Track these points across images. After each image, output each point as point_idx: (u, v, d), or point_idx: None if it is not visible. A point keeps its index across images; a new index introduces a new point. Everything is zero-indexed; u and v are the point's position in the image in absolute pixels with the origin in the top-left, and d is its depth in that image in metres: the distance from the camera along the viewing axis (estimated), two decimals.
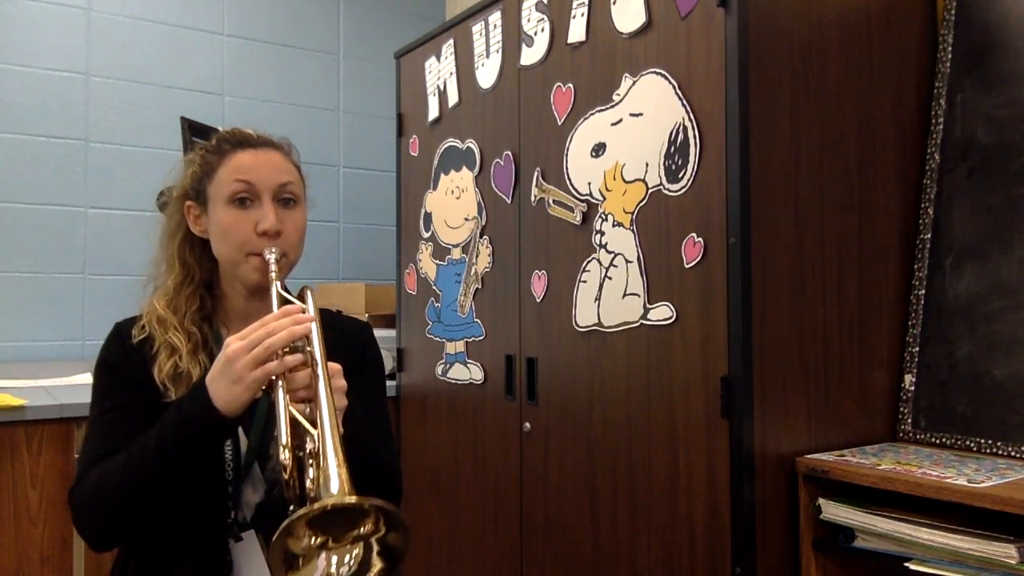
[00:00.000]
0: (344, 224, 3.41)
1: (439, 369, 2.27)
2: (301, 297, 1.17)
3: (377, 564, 0.89)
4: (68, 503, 1.13)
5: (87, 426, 1.19)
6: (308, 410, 0.98)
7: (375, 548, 0.89)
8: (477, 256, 2.12)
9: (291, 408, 0.98)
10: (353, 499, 0.86)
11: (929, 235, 1.67)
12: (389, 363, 2.45)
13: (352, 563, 0.89)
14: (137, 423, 1.12)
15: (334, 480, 0.88)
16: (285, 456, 0.94)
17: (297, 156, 1.30)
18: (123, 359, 1.20)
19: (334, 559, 0.88)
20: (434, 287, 2.31)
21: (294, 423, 0.97)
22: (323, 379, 0.99)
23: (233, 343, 1.02)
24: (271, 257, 1.16)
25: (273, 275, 1.16)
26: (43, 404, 1.98)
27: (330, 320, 1.35)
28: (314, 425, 0.96)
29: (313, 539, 0.88)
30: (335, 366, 1.04)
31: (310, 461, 0.93)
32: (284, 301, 1.13)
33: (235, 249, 1.19)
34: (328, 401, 0.96)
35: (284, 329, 1.01)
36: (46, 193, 2.82)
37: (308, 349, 1.03)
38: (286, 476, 0.95)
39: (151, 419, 1.11)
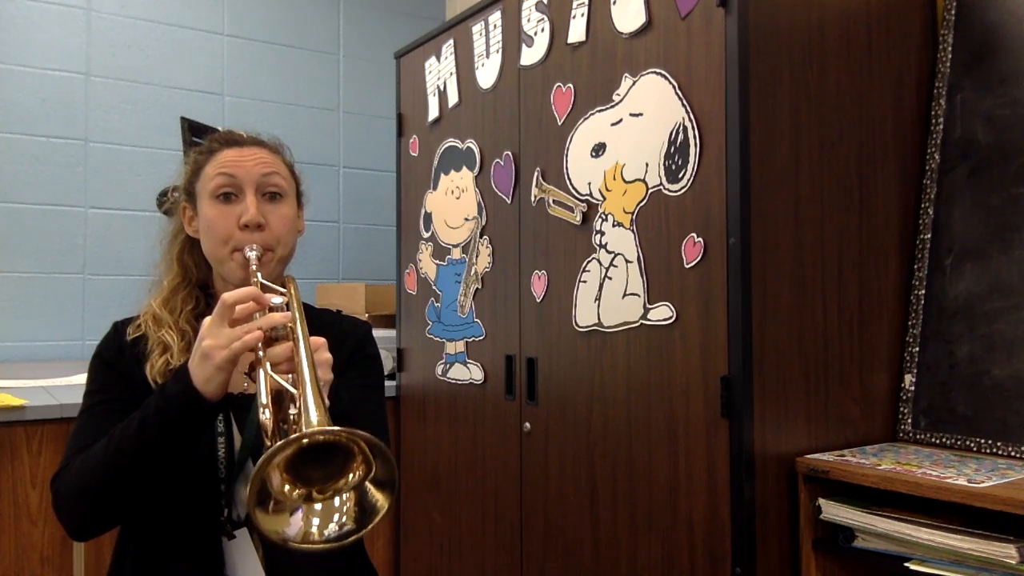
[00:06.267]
0: (344, 224, 3.41)
1: (439, 369, 2.27)
2: (283, 285, 1.16)
3: (377, 497, 0.87)
4: (51, 489, 1.12)
5: (79, 414, 1.19)
6: (292, 380, 0.96)
7: (368, 490, 0.87)
8: (477, 256, 2.12)
9: (272, 375, 0.95)
10: (330, 427, 0.84)
11: (929, 235, 1.67)
12: (389, 363, 2.45)
13: (344, 516, 0.87)
14: (124, 416, 1.11)
15: (313, 414, 0.86)
16: (265, 416, 0.92)
17: (289, 155, 1.31)
18: (118, 355, 1.22)
19: (315, 521, 0.87)
20: (434, 287, 2.31)
21: (277, 393, 0.95)
22: (304, 349, 0.97)
23: (204, 322, 1.02)
24: (252, 255, 1.16)
25: (254, 268, 1.15)
26: (43, 404, 1.98)
27: (329, 320, 1.36)
28: (296, 388, 0.93)
29: (295, 488, 0.86)
30: (318, 340, 1.02)
31: (293, 423, 0.91)
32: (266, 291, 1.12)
33: (219, 244, 1.20)
34: (309, 364, 0.94)
35: (266, 320, 1.00)
36: (46, 193, 2.82)
37: (289, 326, 1.01)
38: (267, 440, 0.92)
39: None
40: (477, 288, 2.12)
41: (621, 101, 1.68)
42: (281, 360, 0.98)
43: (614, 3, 1.69)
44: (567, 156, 1.81)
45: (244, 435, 1.18)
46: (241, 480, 1.16)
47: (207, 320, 1.02)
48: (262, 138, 1.28)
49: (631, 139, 1.65)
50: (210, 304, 1.27)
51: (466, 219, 2.16)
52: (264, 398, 0.94)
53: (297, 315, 1.03)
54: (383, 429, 1.34)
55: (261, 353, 0.98)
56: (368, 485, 0.88)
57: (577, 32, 1.79)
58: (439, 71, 2.30)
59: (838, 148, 1.57)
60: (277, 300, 1.04)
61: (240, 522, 1.15)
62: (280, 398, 0.95)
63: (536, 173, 1.90)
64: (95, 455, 1.07)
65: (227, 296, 1.02)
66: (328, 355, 1.02)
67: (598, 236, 1.72)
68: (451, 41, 2.25)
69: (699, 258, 1.49)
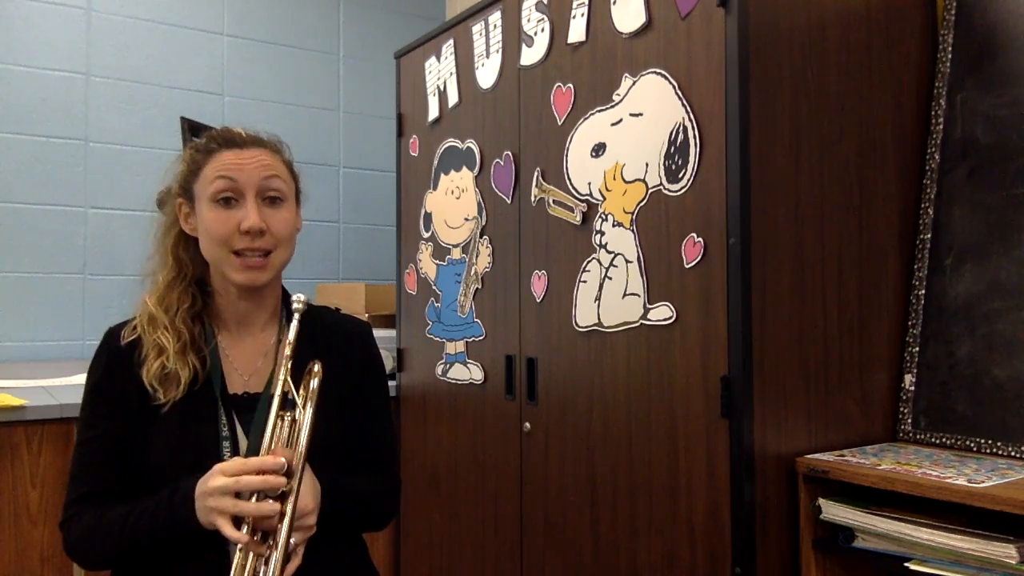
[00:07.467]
0: (344, 224, 3.41)
1: (439, 369, 2.27)
2: (308, 371, 1.15)
3: None
4: (61, 532, 1.18)
5: (75, 446, 1.22)
6: (268, 552, 1.05)
7: None
8: (477, 256, 2.12)
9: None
10: None
11: (929, 235, 1.67)
12: (389, 363, 2.45)
13: None
14: (119, 455, 1.18)
15: None
16: None
17: (288, 154, 1.29)
18: (106, 373, 1.22)
19: None
20: (434, 287, 2.31)
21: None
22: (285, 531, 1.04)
23: (216, 478, 1.05)
24: (298, 307, 1.16)
25: (291, 339, 1.14)
26: (43, 404, 1.98)
27: (330, 320, 1.36)
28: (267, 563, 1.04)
29: None
30: (307, 505, 1.09)
31: None
32: (282, 394, 1.12)
33: (219, 247, 1.19)
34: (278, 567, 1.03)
35: (254, 507, 1.04)
36: (46, 193, 2.82)
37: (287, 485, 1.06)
38: None
39: (137, 431, 1.18)
40: (477, 288, 2.12)
41: (621, 101, 1.68)
42: (268, 527, 1.06)
43: (614, 3, 1.69)
44: (567, 156, 1.81)
45: (249, 438, 1.18)
46: None
47: (219, 478, 1.05)
48: (261, 136, 1.26)
49: (631, 139, 1.65)
50: (207, 303, 1.27)
51: (466, 219, 2.16)
52: None
53: (303, 440, 1.08)
54: (392, 449, 1.41)
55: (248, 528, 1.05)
56: None
57: (577, 32, 1.79)
58: (439, 71, 2.30)
59: (838, 148, 1.57)
60: (281, 483, 1.06)
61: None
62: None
63: (536, 173, 1.90)
64: (107, 535, 1.13)
65: (244, 483, 1.04)
66: (313, 520, 1.11)
67: (598, 236, 1.72)
68: (451, 41, 2.25)
69: (699, 258, 1.49)
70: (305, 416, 1.10)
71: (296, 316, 1.16)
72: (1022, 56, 1.60)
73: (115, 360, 1.21)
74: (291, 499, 1.05)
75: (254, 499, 1.05)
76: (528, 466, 1.93)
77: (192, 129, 2.55)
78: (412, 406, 2.43)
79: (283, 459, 1.05)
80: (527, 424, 1.93)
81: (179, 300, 1.23)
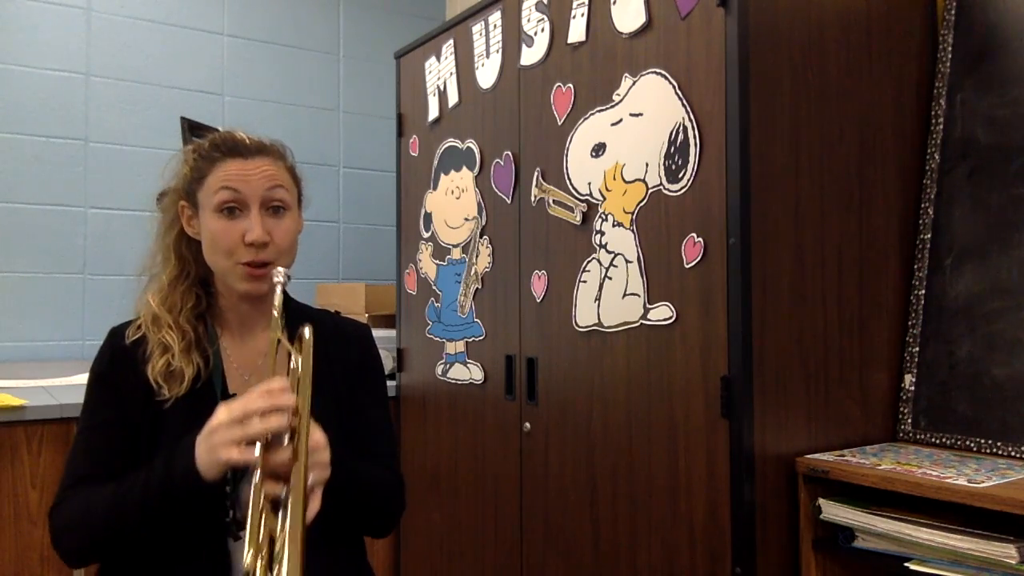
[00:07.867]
0: (344, 224, 3.41)
1: (439, 369, 2.27)
2: (300, 337, 1.13)
3: None
4: (48, 519, 1.15)
5: (75, 435, 1.21)
6: (284, 492, 0.99)
7: None
8: (477, 256, 2.12)
9: (264, 518, 0.99)
10: None
11: (929, 235, 1.67)
12: (389, 363, 2.45)
13: None
14: (119, 442, 1.16)
15: None
16: (250, 562, 0.95)
17: (292, 158, 1.29)
18: (111, 368, 1.22)
19: None
20: (434, 287, 2.31)
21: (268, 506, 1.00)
22: (302, 467, 0.99)
23: (220, 413, 1.02)
24: (279, 280, 1.16)
25: (277, 304, 1.14)
26: (43, 404, 1.98)
27: (330, 323, 1.36)
28: (285, 507, 0.97)
29: None
30: (319, 440, 1.04)
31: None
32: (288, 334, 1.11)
33: (223, 257, 1.19)
34: (298, 507, 0.97)
35: (261, 424, 1.00)
36: (46, 193, 2.82)
37: (295, 420, 1.02)
38: None
39: (139, 425, 1.16)
40: (477, 288, 2.12)
41: (621, 101, 1.68)
42: (278, 466, 1.01)
43: (614, 3, 1.69)
44: (567, 156, 1.81)
45: None
46: (246, 480, 1.16)
47: (223, 412, 1.02)
48: (264, 143, 1.25)
49: (631, 139, 1.65)
50: (210, 303, 1.27)
51: (466, 219, 2.16)
52: (254, 537, 0.97)
53: (304, 401, 1.04)
54: (393, 447, 1.39)
55: (258, 467, 1.00)
56: None
57: (577, 32, 1.79)
58: (439, 71, 2.30)
59: (838, 148, 1.57)
60: (289, 401, 1.02)
61: (245, 523, 1.15)
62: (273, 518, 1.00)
63: (536, 173, 1.90)
64: (97, 508, 1.10)
65: (251, 406, 1.01)
66: (327, 456, 1.05)
67: (598, 236, 1.72)
68: (451, 41, 2.25)
69: (699, 258, 1.49)
70: (302, 363, 1.07)
71: (278, 288, 1.16)
72: (1022, 56, 1.60)
73: (119, 356, 1.22)
74: (301, 436, 1.00)
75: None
76: (528, 466, 1.93)
77: (192, 129, 2.55)
78: (412, 406, 2.43)
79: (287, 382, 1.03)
80: (527, 424, 1.93)
81: (183, 299, 1.23)
